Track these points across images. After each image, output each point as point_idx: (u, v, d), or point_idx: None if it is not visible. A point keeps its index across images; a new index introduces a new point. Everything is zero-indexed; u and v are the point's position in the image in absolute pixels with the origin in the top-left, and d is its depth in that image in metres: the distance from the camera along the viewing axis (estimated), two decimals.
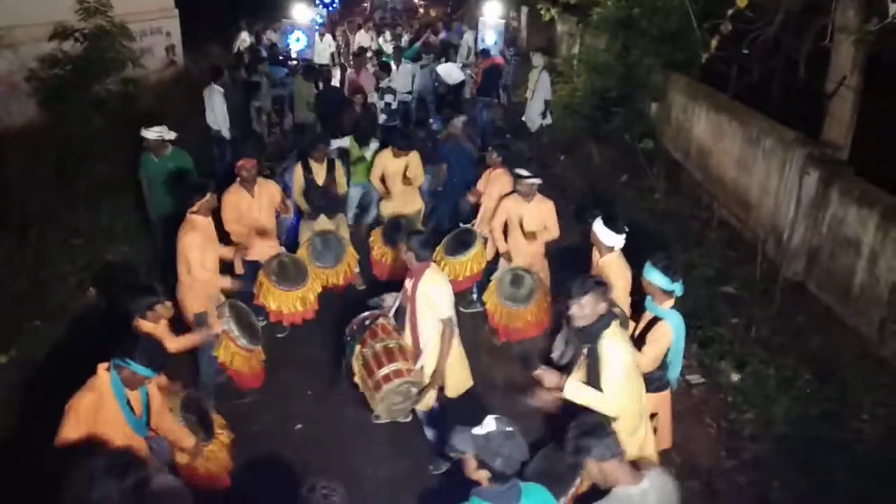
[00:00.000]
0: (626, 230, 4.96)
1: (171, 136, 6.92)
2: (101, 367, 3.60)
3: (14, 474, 4.43)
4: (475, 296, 6.86)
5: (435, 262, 5.16)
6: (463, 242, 6.56)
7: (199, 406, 4.36)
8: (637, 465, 3.00)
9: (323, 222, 6.83)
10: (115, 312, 4.40)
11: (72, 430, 3.43)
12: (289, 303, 5.89)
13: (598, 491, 2.97)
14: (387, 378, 4.36)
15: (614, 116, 11.85)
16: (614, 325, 3.78)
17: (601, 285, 3.81)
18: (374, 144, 8.27)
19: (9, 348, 5.78)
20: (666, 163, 10.66)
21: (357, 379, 4.63)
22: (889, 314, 5.79)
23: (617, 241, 4.92)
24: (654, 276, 4.17)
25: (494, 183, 6.79)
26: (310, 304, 6.02)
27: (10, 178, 8.22)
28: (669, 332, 4.13)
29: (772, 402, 5.14)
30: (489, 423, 2.82)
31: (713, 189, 9.50)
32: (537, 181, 6.13)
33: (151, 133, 6.77)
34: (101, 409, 3.50)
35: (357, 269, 6.99)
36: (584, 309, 3.75)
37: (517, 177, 6.16)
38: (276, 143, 11.93)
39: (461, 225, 7.00)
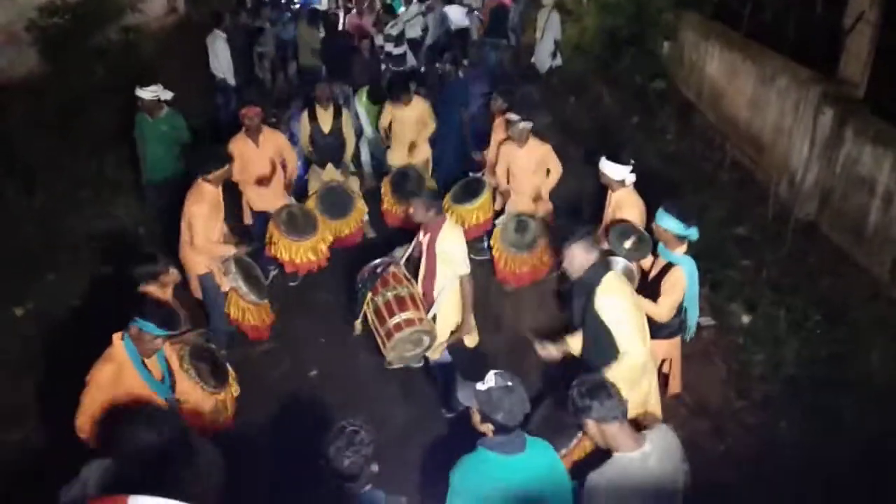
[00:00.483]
0: (633, 162, 5.01)
1: (168, 95, 6.67)
2: (116, 337, 3.62)
3: (34, 433, 4.54)
4: (485, 244, 6.86)
5: (443, 209, 5.15)
6: (471, 191, 6.54)
7: (211, 353, 4.41)
8: (639, 424, 2.99)
9: (330, 172, 6.78)
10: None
11: (93, 402, 3.48)
12: (300, 253, 5.91)
13: (600, 451, 2.97)
14: (398, 326, 4.40)
15: (625, 56, 11.58)
16: (609, 275, 3.76)
17: (588, 234, 3.81)
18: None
19: (24, 301, 5.85)
20: (678, 104, 10.47)
21: (369, 325, 4.66)
22: None
23: (625, 172, 4.97)
24: (668, 222, 4.14)
25: (500, 129, 6.71)
26: (321, 254, 6.05)
27: (14, 128, 8.18)
28: (683, 279, 4.13)
29: (782, 343, 5.16)
30: (490, 379, 2.88)
31: (726, 130, 9.34)
32: (528, 124, 6.04)
33: (146, 92, 6.51)
34: (121, 377, 3.54)
35: (366, 219, 6.98)
36: (573, 261, 3.75)
37: (508, 122, 6.09)
38: (281, 89, 11.77)
39: (469, 174, 6.93)
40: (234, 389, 4.41)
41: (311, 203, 6.50)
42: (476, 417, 2.94)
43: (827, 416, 4.55)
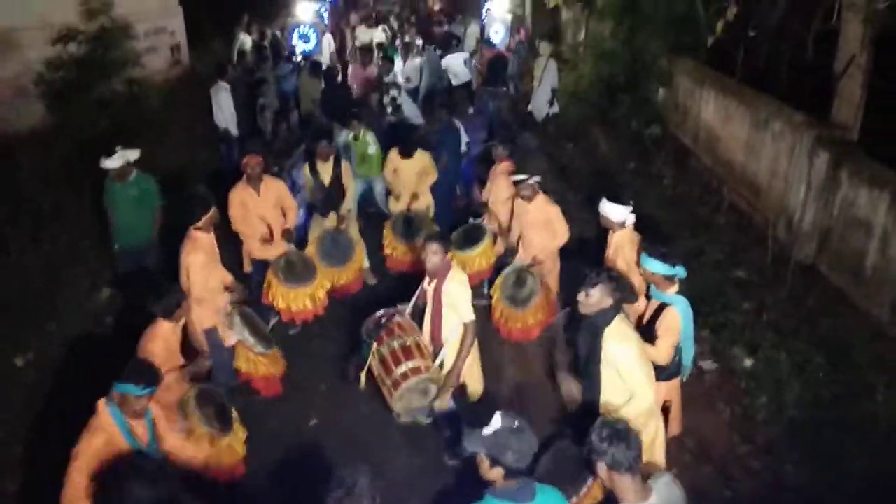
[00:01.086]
0: (632, 203, 5.12)
1: (135, 155, 6.43)
2: (101, 404, 3.57)
3: (29, 479, 4.49)
4: (486, 290, 6.88)
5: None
6: (472, 237, 6.58)
7: (216, 398, 4.39)
8: (645, 474, 2.96)
9: (332, 220, 6.85)
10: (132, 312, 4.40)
11: (81, 474, 3.38)
12: (298, 301, 5.92)
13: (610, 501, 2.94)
14: (405, 376, 4.38)
15: (621, 103, 11.77)
16: (617, 320, 3.78)
17: (614, 280, 3.82)
18: (371, 137, 8.25)
19: (25, 351, 5.85)
20: (674, 148, 10.61)
21: (375, 376, 4.63)
22: None
23: (625, 213, 5.07)
24: (653, 265, 4.24)
25: (501, 177, 6.79)
26: (319, 302, 6.05)
27: (21, 179, 8.29)
28: (678, 318, 4.15)
29: (784, 386, 5.13)
30: (496, 421, 2.85)
31: (722, 173, 9.44)
32: (536, 179, 6.02)
33: (113, 161, 6.27)
34: (111, 446, 3.48)
35: (367, 265, 7.01)
36: (590, 298, 3.78)
37: (515, 183, 6.06)
38: (283, 139, 11.95)
39: (472, 220, 6.99)
40: (242, 433, 4.37)
41: (311, 249, 6.54)
42: (484, 464, 2.87)
43: (832, 459, 4.50)
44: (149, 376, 3.59)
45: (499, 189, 6.75)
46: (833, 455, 4.53)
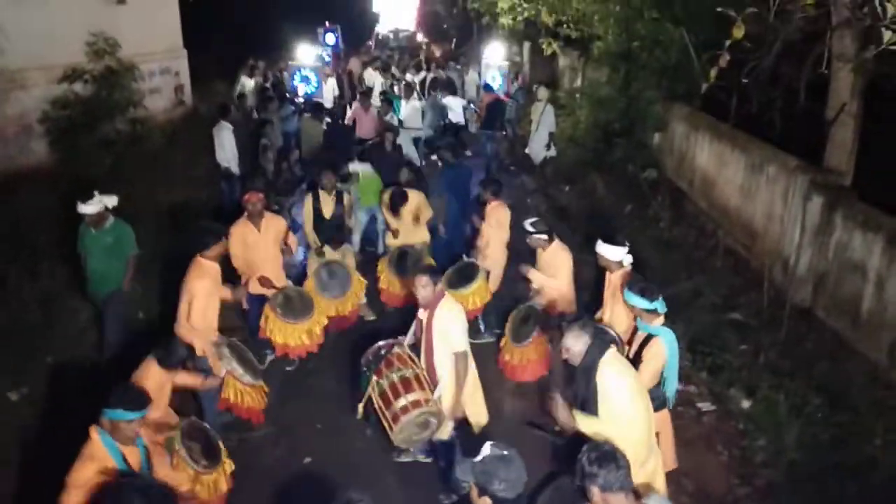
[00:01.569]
0: (627, 244, 5.19)
1: (112, 201, 6.24)
2: (93, 430, 3.58)
3: None
4: (482, 326, 6.87)
5: None
6: (465, 276, 6.60)
7: (204, 433, 4.36)
8: (638, 494, 2.96)
9: (328, 253, 6.90)
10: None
11: (78, 501, 3.38)
12: (294, 336, 5.92)
13: None
14: (405, 409, 4.36)
15: (617, 148, 11.97)
16: (609, 352, 3.79)
17: (575, 322, 3.87)
18: (366, 167, 8.39)
19: (21, 385, 5.82)
20: (670, 192, 10.73)
21: (376, 409, 4.60)
22: None
23: (622, 254, 5.12)
24: (634, 300, 4.35)
25: (491, 216, 6.87)
26: (316, 338, 6.05)
27: (22, 215, 8.34)
28: (663, 349, 4.22)
29: (782, 428, 5.11)
30: (486, 449, 2.88)
31: (717, 217, 9.54)
32: (542, 237, 6.00)
33: (90, 207, 6.07)
34: (104, 474, 3.47)
35: (364, 300, 7.04)
36: (571, 350, 3.82)
37: (526, 232, 6.09)
38: (285, 178, 12.07)
39: (464, 257, 7.03)
40: (228, 466, 4.33)
41: (309, 283, 6.56)
42: (474, 492, 2.91)
43: (831, 503, 4.46)
44: (137, 400, 3.59)
45: (490, 228, 6.81)
46: (832, 499, 4.50)
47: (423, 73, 17.06)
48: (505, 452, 2.86)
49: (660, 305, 4.35)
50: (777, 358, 6.18)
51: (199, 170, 11.53)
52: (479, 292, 6.44)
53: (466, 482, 2.88)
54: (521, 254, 7.06)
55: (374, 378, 4.52)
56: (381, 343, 4.81)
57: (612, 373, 3.74)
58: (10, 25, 11.06)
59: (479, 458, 2.87)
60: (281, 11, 23.00)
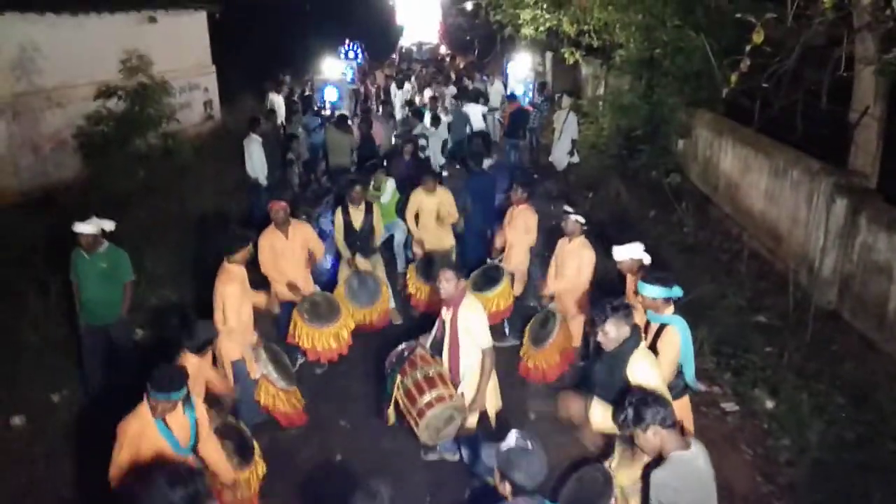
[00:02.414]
0: (640, 243, 5.29)
1: (110, 225, 5.96)
2: (142, 407, 3.81)
3: None
4: (507, 330, 6.96)
5: None
6: (490, 278, 6.71)
7: (238, 432, 4.50)
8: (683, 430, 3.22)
9: (360, 262, 7.06)
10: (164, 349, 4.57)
11: (123, 453, 3.66)
12: (322, 340, 6.06)
13: None
14: (429, 405, 4.50)
15: (640, 154, 12.03)
16: (642, 347, 3.90)
17: (620, 309, 3.95)
18: (390, 184, 8.52)
19: (60, 388, 6.05)
20: (694, 198, 10.75)
21: (401, 408, 4.74)
22: None
23: (637, 250, 5.24)
24: (652, 290, 4.36)
25: (519, 218, 6.95)
26: (343, 341, 6.18)
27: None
28: (677, 336, 4.27)
29: (806, 427, 5.12)
30: (510, 439, 3.01)
31: (743, 221, 9.54)
32: (580, 218, 6.13)
33: (87, 227, 5.80)
34: (144, 434, 3.72)
35: (392, 306, 7.18)
36: (608, 334, 3.90)
37: (564, 212, 6.21)
38: (312, 189, 12.30)
39: (489, 260, 7.14)
40: (261, 468, 4.46)
41: (339, 290, 6.72)
42: (497, 476, 3.04)
43: (856, 501, 4.47)
44: (176, 380, 3.78)
45: (516, 230, 6.90)
46: (856, 498, 4.51)
47: (451, 87, 17.34)
48: (529, 445, 2.98)
49: (677, 291, 4.41)
50: (802, 360, 6.17)
51: (229, 182, 11.82)
52: (503, 295, 6.54)
53: (491, 467, 2.99)
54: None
55: (399, 378, 4.66)
56: (402, 345, 4.95)
57: (645, 365, 3.88)
58: (47, 46, 11.51)
59: (504, 446, 2.98)
60: (307, 27, 23.39)
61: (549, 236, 7.36)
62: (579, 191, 11.99)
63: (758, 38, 5.46)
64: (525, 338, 6.14)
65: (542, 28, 15.48)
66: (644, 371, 3.85)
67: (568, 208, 6.18)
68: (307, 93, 16.98)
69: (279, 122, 13.19)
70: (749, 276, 8.06)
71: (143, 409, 3.77)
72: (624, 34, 12.76)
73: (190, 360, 4.50)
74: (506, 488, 2.98)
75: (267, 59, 19.43)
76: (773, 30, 7.51)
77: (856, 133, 7.73)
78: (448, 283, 4.67)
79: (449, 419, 4.61)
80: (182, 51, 15.44)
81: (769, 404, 5.61)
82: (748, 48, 5.91)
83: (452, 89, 17.07)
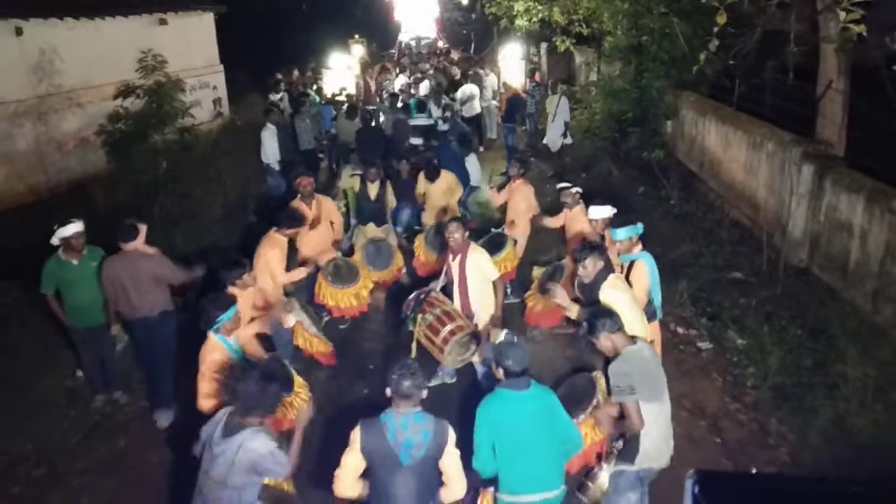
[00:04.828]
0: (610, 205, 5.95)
1: (80, 227, 5.86)
2: (210, 335, 4.51)
3: None
4: (509, 290, 7.71)
5: None
6: (496, 244, 7.45)
7: (281, 365, 5.18)
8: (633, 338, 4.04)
9: (373, 230, 7.84)
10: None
11: (209, 385, 4.32)
12: (344, 299, 6.80)
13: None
14: (452, 333, 5.33)
15: (631, 136, 12.70)
16: (612, 277, 4.73)
17: (596, 248, 4.78)
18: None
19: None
20: (681, 175, 11.44)
21: (423, 342, 5.55)
22: (880, 284, 6.49)
23: (609, 211, 5.87)
24: (621, 233, 5.14)
25: (517, 192, 7.76)
26: (363, 300, 6.93)
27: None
28: (646, 268, 5.08)
29: (769, 354, 5.86)
30: (501, 336, 3.84)
31: (724, 193, 10.25)
32: (577, 190, 6.90)
33: (73, 227, 5.76)
34: (218, 357, 4.42)
35: (404, 270, 7.98)
36: (587, 269, 4.72)
37: (559, 189, 7.03)
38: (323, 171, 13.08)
39: (493, 230, 7.89)
40: (304, 396, 5.17)
41: (357, 256, 7.47)
42: (493, 366, 3.84)
43: (808, 412, 5.22)
44: (224, 301, 4.54)
45: (516, 203, 7.66)
46: (810, 409, 5.25)
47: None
48: (515, 339, 3.85)
49: (640, 227, 5.21)
50: (771, 308, 6.90)
51: (246, 171, 12.58)
52: (508, 258, 7.27)
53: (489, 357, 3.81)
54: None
55: (420, 316, 5.45)
56: (416, 292, 5.77)
57: (615, 290, 4.67)
58: (67, 49, 12.21)
59: (496, 341, 3.77)
60: (312, 25, 24.08)
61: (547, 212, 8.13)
62: (574, 171, 12.70)
63: (721, 19, 6.17)
64: (533, 286, 6.90)
65: (535, 19, 16.16)
66: (614, 294, 4.63)
67: (564, 184, 6.96)
68: (311, 82, 17.65)
69: (287, 113, 13.93)
70: (729, 241, 8.78)
71: (214, 342, 4.45)
72: (612, 22, 13.42)
73: (234, 293, 5.17)
74: (499, 373, 3.78)
75: (273, 57, 20.13)
76: (752, 14, 8.26)
77: (821, 106, 8.42)
78: (456, 233, 5.50)
79: (467, 344, 5.44)
80: (191, 51, 16.04)
81: (739, 342, 6.36)
82: (715, 30, 6.62)
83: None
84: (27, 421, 5.75)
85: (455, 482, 3.50)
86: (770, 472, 4.75)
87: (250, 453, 3.40)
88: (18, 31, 11.42)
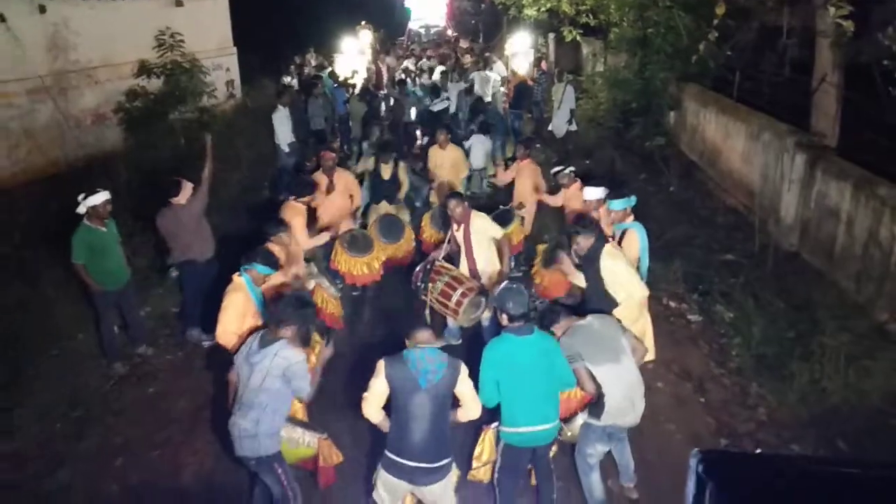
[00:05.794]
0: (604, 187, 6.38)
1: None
2: (235, 276, 4.99)
3: None
4: (513, 263, 8.09)
5: None
6: (502, 220, 7.82)
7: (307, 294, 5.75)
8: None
9: (386, 207, 8.28)
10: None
11: (230, 322, 4.80)
12: (357, 267, 7.20)
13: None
14: (464, 294, 5.84)
15: (634, 126, 13.04)
16: (607, 247, 5.19)
17: (586, 225, 5.24)
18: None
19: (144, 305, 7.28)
20: (682, 164, 11.80)
21: (436, 307, 6.02)
22: (863, 265, 6.89)
23: (601, 192, 6.31)
24: (617, 204, 5.70)
25: (523, 172, 8.24)
26: (375, 270, 7.32)
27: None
28: (637, 236, 5.57)
29: (753, 324, 6.27)
30: (503, 285, 4.37)
31: (723, 182, 10.63)
32: (571, 169, 7.43)
33: (100, 196, 6.14)
34: (247, 301, 4.88)
35: (414, 245, 8.38)
36: (580, 244, 5.21)
37: (555, 174, 7.52)
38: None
39: (501, 207, 8.30)
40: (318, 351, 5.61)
41: (371, 230, 7.89)
42: (498, 311, 4.33)
43: (787, 376, 5.65)
44: (271, 260, 5.05)
45: (523, 181, 8.08)
46: (789, 374, 5.66)
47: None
48: (515, 286, 4.30)
49: (633, 199, 5.73)
50: (761, 287, 7.29)
51: (259, 150, 12.99)
52: (515, 232, 7.70)
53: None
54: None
55: (430, 285, 5.88)
56: (422, 264, 6.29)
57: (612, 258, 5.12)
58: (86, 28, 12.59)
59: (499, 289, 4.28)
60: (323, 11, 24.46)
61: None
62: (577, 158, 13.07)
63: (720, 10, 6.55)
64: (537, 261, 7.32)
65: (543, 9, 16.49)
66: (612, 262, 5.09)
67: (558, 168, 7.47)
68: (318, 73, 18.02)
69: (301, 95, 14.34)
70: (724, 226, 9.19)
71: (239, 283, 4.93)
72: (618, 14, 13.76)
73: (272, 248, 5.63)
74: (504, 318, 4.23)
75: (285, 41, 20.51)
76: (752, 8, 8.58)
77: (815, 98, 8.79)
78: (458, 207, 6.02)
79: (478, 304, 5.94)
80: (206, 33, 16.36)
81: (727, 315, 6.77)
82: (715, 21, 6.99)
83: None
84: (64, 370, 6.19)
85: (470, 404, 4.00)
86: (775, 453, 4.97)
87: (284, 360, 3.97)
88: (42, 9, 11.80)
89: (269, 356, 3.98)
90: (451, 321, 6.25)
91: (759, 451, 5.09)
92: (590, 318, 4.46)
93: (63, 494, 4.87)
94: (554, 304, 4.81)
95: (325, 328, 6.44)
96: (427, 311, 6.06)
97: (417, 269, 6.27)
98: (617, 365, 4.30)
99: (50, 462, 5.18)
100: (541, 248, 7.38)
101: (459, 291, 5.81)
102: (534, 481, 4.57)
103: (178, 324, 7.27)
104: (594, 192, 6.32)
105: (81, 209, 6.07)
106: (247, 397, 4.02)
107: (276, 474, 4.12)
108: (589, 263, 5.17)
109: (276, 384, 3.98)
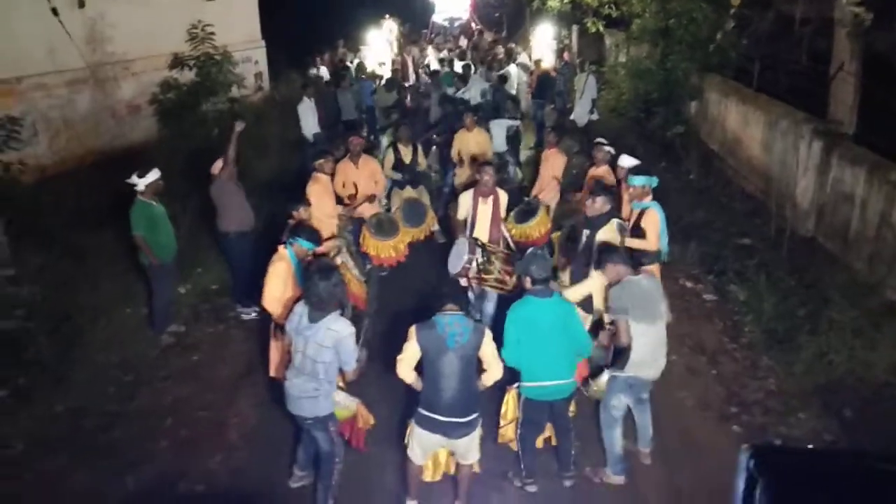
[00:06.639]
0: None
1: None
2: (281, 247, 5.36)
3: None
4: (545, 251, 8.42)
5: (507, 229, 6.92)
6: (528, 212, 8.01)
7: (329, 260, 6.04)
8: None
9: (408, 192, 8.60)
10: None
11: (275, 288, 5.18)
12: (384, 249, 7.54)
13: None
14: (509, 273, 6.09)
15: (656, 116, 13.25)
16: (611, 223, 5.53)
17: (610, 191, 5.59)
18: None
19: (185, 283, 7.71)
20: (703, 153, 12.00)
21: (494, 285, 6.19)
22: (876, 248, 7.10)
23: (632, 161, 6.66)
24: (638, 180, 5.92)
25: (549, 160, 8.47)
26: (400, 252, 7.66)
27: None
28: (657, 215, 5.77)
29: (764, 300, 6.52)
30: (529, 253, 4.74)
31: (741, 170, 10.82)
32: (611, 149, 7.62)
33: (153, 174, 6.61)
34: (289, 271, 5.25)
35: (437, 228, 8.71)
36: (595, 203, 5.53)
37: (596, 144, 7.76)
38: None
39: (525, 199, 8.55)
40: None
41: (395, 213, 8.23)
42: (523, 276, 4.69)
43: (796, 350, 5.91)
44: (314, 237, 5.42)
45: (549, 168, 8.35)
46: (797, 347, 5.93)
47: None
48: (539, 252, 4.67)
49: (655, 179, 5.98)
50: (775, 269, 7.52)
51: (287, 140, 13.42)
52: (542, 223, 7.82)
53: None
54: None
55: (489, 266, 6.02)
56: (466, 255, 6.07)
57: (608, 233, 5.53)
58: (120, 21, 13.06)
59: (525, 256, 4.67)
60: (348, 5, 24.78)
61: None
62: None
63: (735, 0, 6.79)
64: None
65: (566, 0, 16.70)
66: (606, 236, 5.50)
67: (601, 139, 7.69)
68: (345, 65, 18.40)
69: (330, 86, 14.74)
70: (742, 212, 9.40)
71: (284, 254, 5.30)
72: (640, 5, 13.96)
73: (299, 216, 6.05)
74: (527, 281, 4.59)
75: (312, 34, 20.89)
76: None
77: (833, 87, 8.97)
78: (489, 176, 6.31)
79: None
80: (235, 26, 16.69)
81: (741, 295, 7.02)
82: (732, 11, 7.24)
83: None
84: (114, 340, 6.64)
85: (493, 365, 4.35)
86: (829, 448, 4.94)
87: (334, 333, 4.25)
88: (81, 4, 12.29)
89: (321, 329, 4.26)
90: (471, 295, 6.55)
91: (810, 446, 5.01)
92: (641, 276, 4.76)
93: (117, 448, 5.29)
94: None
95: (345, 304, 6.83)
96: (474, 282, 6.15)
97: (462, 263, 6.02)
98: (652, 326, 4.61)
99: (104, 420, 5.62)
100: (555, 237, 7.63)
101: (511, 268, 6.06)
102: (553, 441, 4.90)
103: (217, 300, 7.68)
104: (628, 160, 6.60)
105: (140, 186, 6.53)
106: (306, 365, 4.33)
107: (329, 432, 4.51)
108: (591, 227, 5.49)
109: (329, 356, 4.29)
